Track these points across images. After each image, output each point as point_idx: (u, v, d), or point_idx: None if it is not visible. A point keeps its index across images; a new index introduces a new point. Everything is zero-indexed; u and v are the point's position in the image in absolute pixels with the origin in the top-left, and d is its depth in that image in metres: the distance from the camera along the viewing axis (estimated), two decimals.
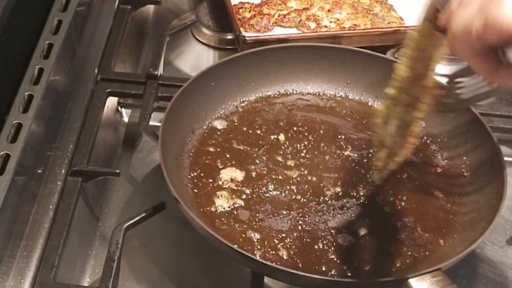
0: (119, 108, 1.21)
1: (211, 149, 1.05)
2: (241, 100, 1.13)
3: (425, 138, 1.10)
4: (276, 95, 1.15)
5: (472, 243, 0.88)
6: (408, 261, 0.92)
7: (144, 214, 0.96)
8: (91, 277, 0.97)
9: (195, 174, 1.01)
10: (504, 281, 0.98)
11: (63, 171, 1.01)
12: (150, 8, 1.44)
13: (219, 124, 1.09)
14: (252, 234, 0.94)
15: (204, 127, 1.08)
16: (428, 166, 1.07)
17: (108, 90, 1.15)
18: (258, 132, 1.09)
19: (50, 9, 1.16)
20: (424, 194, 1.02)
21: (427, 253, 0.93)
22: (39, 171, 1.00)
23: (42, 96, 1.02)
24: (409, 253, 0.94)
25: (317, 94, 1.16)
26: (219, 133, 1.08)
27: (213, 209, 0.97)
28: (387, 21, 1.30)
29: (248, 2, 1.33)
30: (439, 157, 1.08)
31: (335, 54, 1.16)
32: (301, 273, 0.84)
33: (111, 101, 1.18)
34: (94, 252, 1.00)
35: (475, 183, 1.02)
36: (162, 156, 0.94)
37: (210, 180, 1.01)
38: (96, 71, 1.18)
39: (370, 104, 1.15)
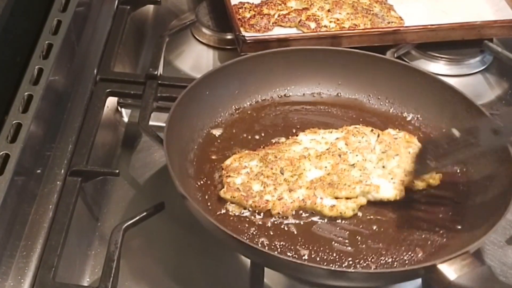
0: (119, 108, 1.21)
1: (214, 156, 1.05)
2: (236, 107, 1.13)
3: (424, 129, 1.11)
4: (270, 100, 1.15)
5: (495, 223, 0.89)
6: (429, 249, 0.93)
7: (143, 214, 0.97)
8: (91, 277, 0.97)
9: (202, 182, 1.01)
10: (504, 281, 0.98)
11: (62, 171, 1.01)
12: (150, 8, 1.44)
13: (218, 132, 1.09)
14: (264, 238, 0.94)
15: (204, 136, 1.07)
16: None
17: (107, 90, 1.15)
18: (257, 137, 1.09)
19: (49, 10, 1.17)
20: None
21: (444, 240, 0.94)
22: (39, 171, 1.01)
23: (42, 96, 1.03)
24: (429, 242, 0.94)
25: (310, 96, 1.16)
26: (219, 140, 1.08)
27: (223, 211, 0.97)
28: (387, 21, 1.29)
29: (248, 2, 1.33)
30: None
31: (324, 56, 1.16)
32: (324, 267, 0.86)
33: (111, 101, 1.18)
34: (93, 252, 1.00)
35: (481, 169, 1.02)
36: (169, 161, 0.93)
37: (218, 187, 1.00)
38: (95, 71, 1.18)
39: (364, 103, 1.15)
